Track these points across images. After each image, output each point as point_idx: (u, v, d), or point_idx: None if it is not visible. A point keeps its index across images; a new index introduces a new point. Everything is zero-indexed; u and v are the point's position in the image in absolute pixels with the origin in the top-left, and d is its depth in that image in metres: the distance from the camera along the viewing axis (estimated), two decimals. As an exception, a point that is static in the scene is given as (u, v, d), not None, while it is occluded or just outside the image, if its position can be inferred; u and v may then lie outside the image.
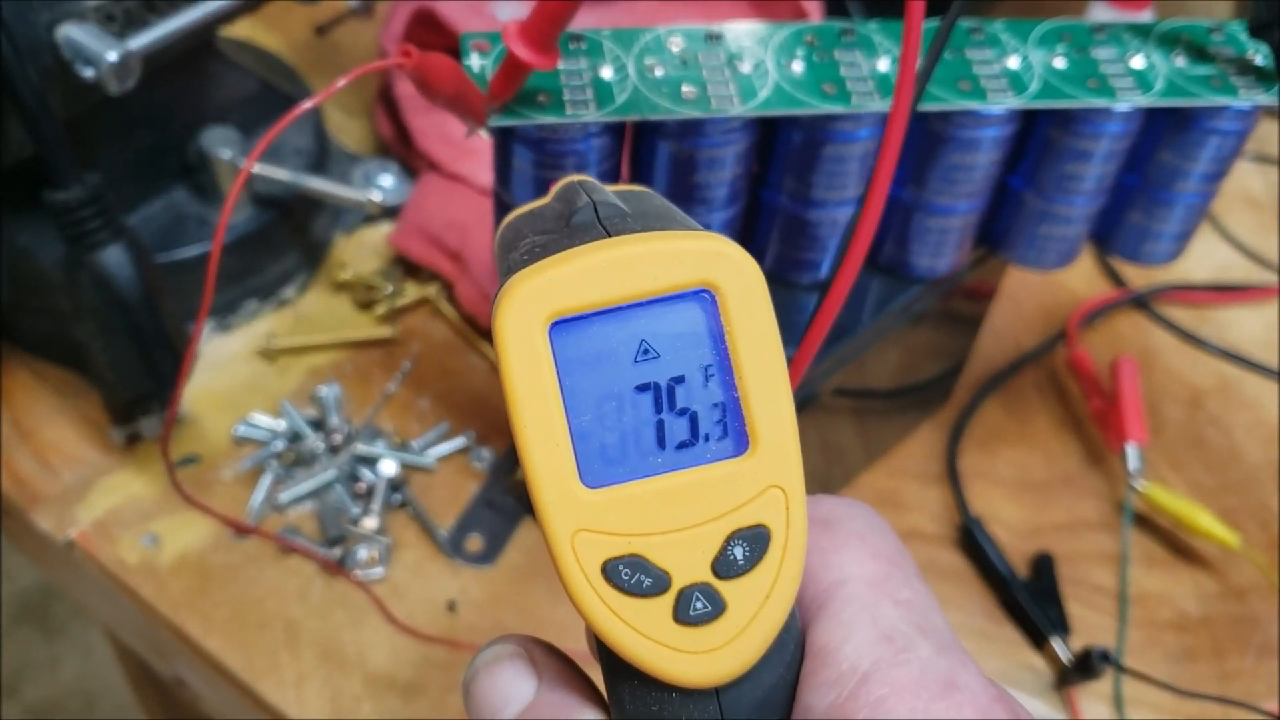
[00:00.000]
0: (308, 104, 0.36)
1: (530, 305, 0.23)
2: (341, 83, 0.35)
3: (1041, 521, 0.56)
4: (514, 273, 0.24)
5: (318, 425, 0.55)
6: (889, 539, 0.27)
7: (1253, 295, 0.68)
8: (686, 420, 0.23)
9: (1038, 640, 0.52)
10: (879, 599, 0.25)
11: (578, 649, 0.46)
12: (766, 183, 0.45)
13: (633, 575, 0.23)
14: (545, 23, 0.36)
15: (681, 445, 0.24)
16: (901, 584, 0.25)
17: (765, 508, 0.24)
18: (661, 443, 0.23)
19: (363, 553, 0.51)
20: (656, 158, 0.42)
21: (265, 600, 0.50)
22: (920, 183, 0.45)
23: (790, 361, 0.25)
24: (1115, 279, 0.67)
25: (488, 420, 0.57)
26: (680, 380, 0.23)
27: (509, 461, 0.55)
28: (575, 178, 0.28)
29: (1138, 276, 0.67)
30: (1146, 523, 0.57)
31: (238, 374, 0.58)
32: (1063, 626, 0.51)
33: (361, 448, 0.54)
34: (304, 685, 0.48)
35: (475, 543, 0.53)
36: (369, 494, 0.53)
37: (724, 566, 0.23)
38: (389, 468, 0.53)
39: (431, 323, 0.61)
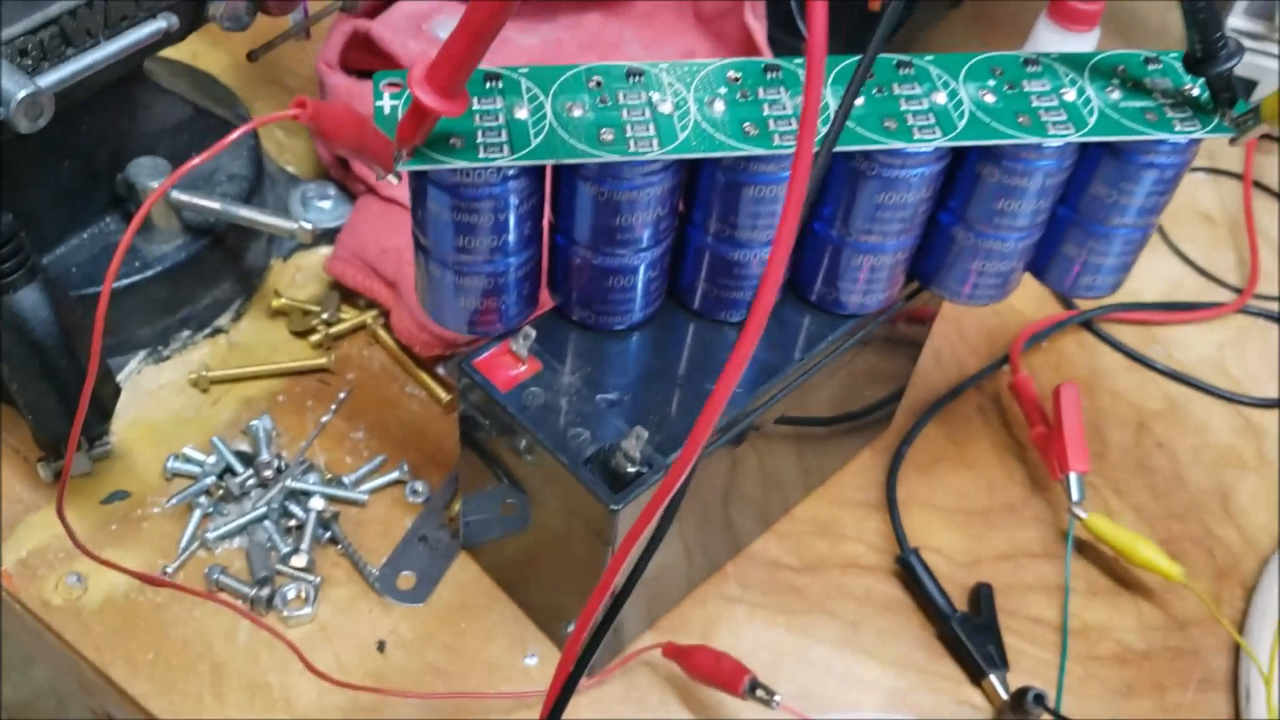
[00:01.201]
0: (196, 161, 0.34)
1: None
2: (234, 136, 0.34)
3: (982, 551, 0.56)
4: None
5: (250, 459, 0.54)
6: None
7: (1202, 314, 0.67)
8: None
9: (976, 676, 0.51)
10: None
11: (509, 690, 0.45)
12: (692, 221, 0.44)
13: None
14: (450, 67, 0.35)
15: None
16: None
17: None
18: None
19: (290, 592, 0.50)
20: (577, 199, 0.41)
21: (191, 642, 0.49)
22: (847, 221, 0.44)
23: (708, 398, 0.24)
24: (1063, 300, 0.67)
25: (423, 452, 0.56)
26: None
27: (445, 495, 0.54)
28: None
29: (1086, 297, 0.67)
30: (1089, 551, 0.56)
31: (170, 405, 0.57)
32: (1001, 662, 0.51)
33: (292, 483, 0.53)
34: (228, 731, 0.47)
35: (407, 580, 0.52)
36: (299, 530, 0.52)
37: None
38: (318, 504, 0.52)
39: (369, 350, 0.60)
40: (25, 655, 1.61)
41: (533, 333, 0.44)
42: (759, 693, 0.46)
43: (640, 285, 0.44)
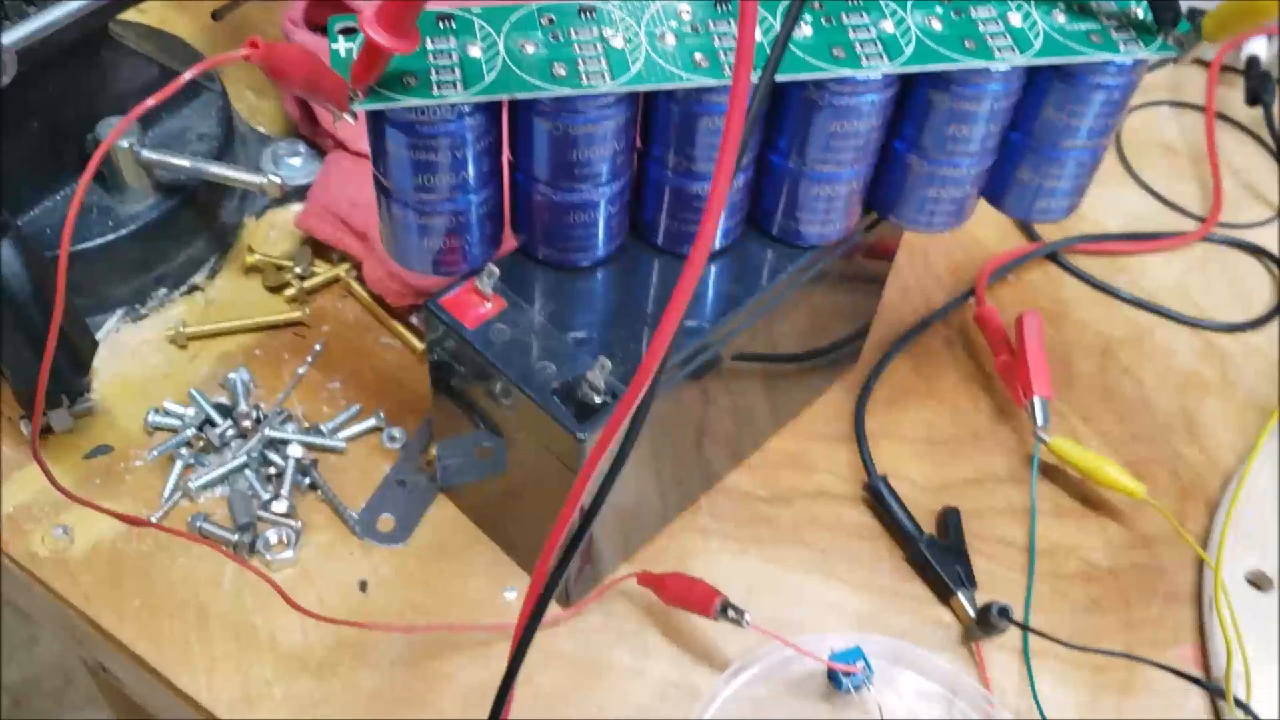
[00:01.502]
0: (149, 102, 0.35)
1: None
2: (187, 76, 0.35)
3: (949, 478, 0.57)
4: None
5: (228, 411, 0.55)
6: None
7: (1166, 243, 0.68)
8: None
9: (944, 596, 0.52)
10: None
11: (489, 622, 0.47)
12: (650, 156, 0.45)
13: None
14: (400, 5, 0.35)
15: None
16: None
17: None
18: None
19: (272, 537, 0.51)
20: (534, 135, 0.42)
21: (177, 588, 0.51)
22: (801, 151, 0.45)
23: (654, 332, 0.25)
24: (1028, 232, 0.68)
25: (399, 400, 0.57)
26: None
27: (421, 440, 0.55)
28: None
29: (1050, 229, 0.68)
30: (1055, 475, 0.57)
31: (149, 362, 0.58)
32: (969, 581, 0.52)
33: (271, 432, 0.54)
34: (214, 671, 0.48)
35: (387, 523, 0.53)
36: (279, 478, 0.53)
37: None
38: (296, 450, 0.53)
39: (343, 303, 0.61)
40: (29, 635, 1.63)
41: (496, 270, 0.45)
42: (730, 613, 0.47)
43: (602, 221, 0.45)
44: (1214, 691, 0.49)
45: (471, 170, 0.42)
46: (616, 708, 0.49)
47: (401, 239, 0.44)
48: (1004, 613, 0.48)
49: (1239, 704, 0.47)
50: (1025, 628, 0.50)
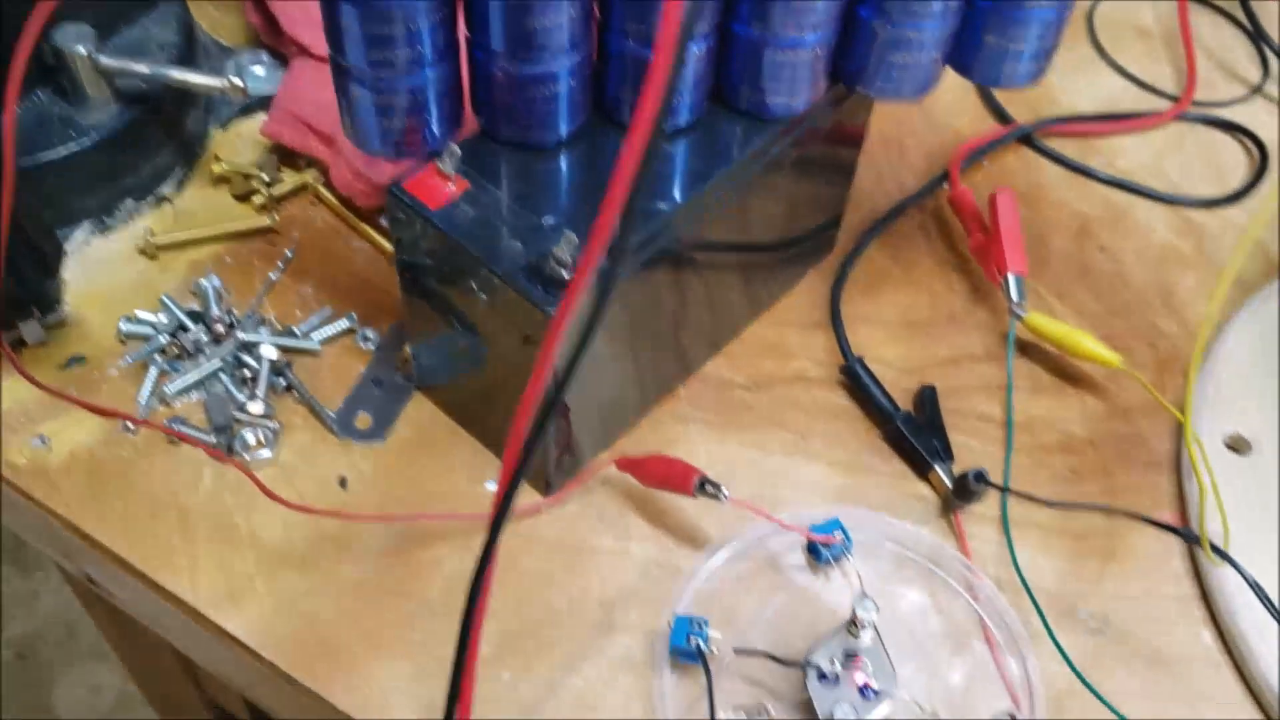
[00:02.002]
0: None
1: None
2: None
3: (925, 359, 0.57)
4: None
5: (200, 317, 0.55)
6: None
7: (1141, 123, 0.68)
8: None
9: (923, 470, 0.53)
10: None
11: (467, 512, 0.47)
12: (610, 28, 0.44)
13: None
14: None
15: None
16: None
17: None
18: None
19: (250, 437, 0.51)
20: (489, 5, 0.41)
21: (156, 492, 0.50)
22: (764, 18, 0.44)
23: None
24: (1001, 116, 0.67)
25: (371, 302, 0.57)
26: None
27: (395, 340, 0.55)
28: None
29: (1024, 112, 0.67)
30: (1032, 352, 0.57)
31: (120, 274, 0.57)
32: (946, 455, 0.52)
33: (245, 336, 0.54)
34: (198, 569, 0.48)
35: (364, 421, 0.53)
36: (254, 380, 0.53)
37: None
38: (270, 352, 0.53)
39: (312, 209, 0.60)
40: (31, 590, 1.64)
41: (458, 150, 0.44)
42: (709, 489, 0.47)
43: (563, 95, 0.45)
44: (1191, 539, 0.49)
45: (427, 43, 0.41)
46: (600, 588, 0.49)
47: (361, 121, 0.44)
48: (980, 477, 0.49)
49: (1216, 549, 0.47)
50: (1005, 489, 0.50)
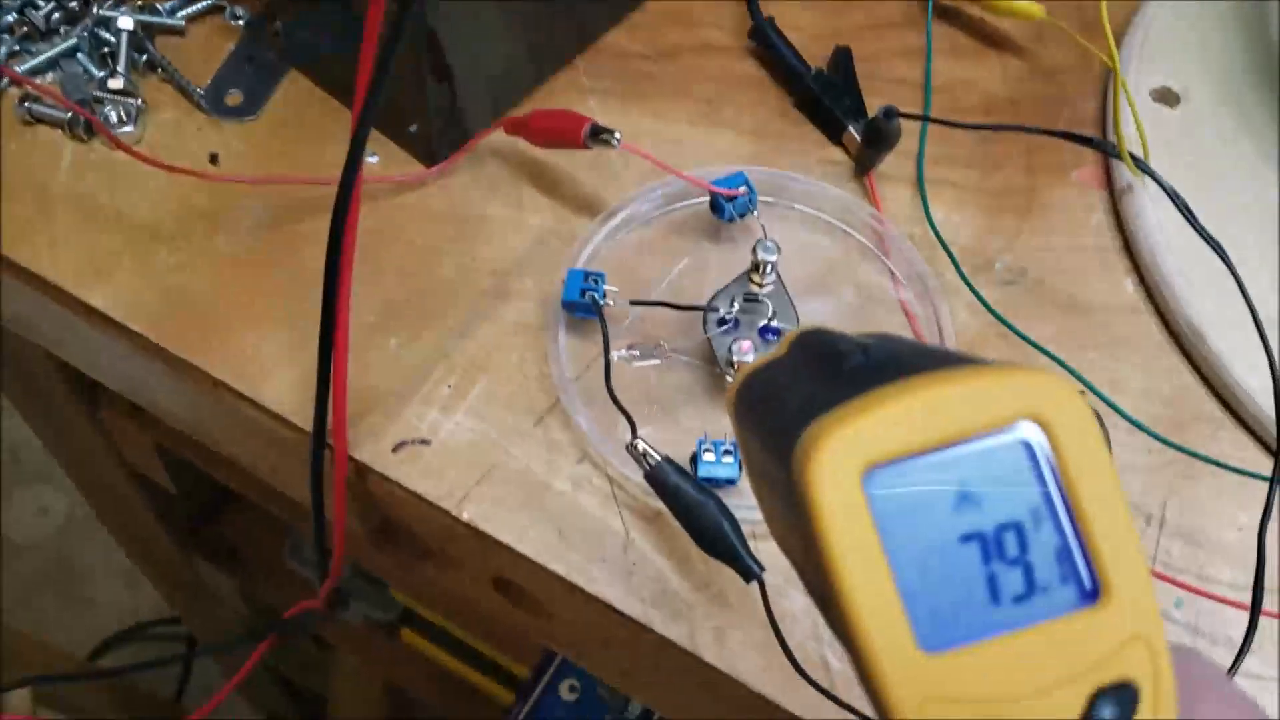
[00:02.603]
0: None
1: (844, 455, 0.21)
2: None
3: (841, 25, 0.53)
4: (801, 425, 0.21)
5: (52, -5, 0.51)
6: (1232, 684, 0.25)
7: None
8: (1020, 570, 0.21)
9: (835, 134, 0.50)
10: None
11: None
12: None
13: None
14: None
15: (1018, 598, 0.21)
16: None
17: (1129, 661, 0.21)
18: (996, 597, 0.21)
19: (112, 115, 0.48)
20: None
21: (11, 172, 0.47)
22: None
23: None
24: None
25: (242, -22, 0.52)
26: (1008, 526, 0.21)
27: (266, 15, 0.51)
28: (807, 327, 0.26)
29: None
30: (953, 17, 0.54)
31: (-33, -38, 0.53)
32: (860, 114, 0.49)
33: (102, 12, 0.50)
34: (58, 247, 0.45)
35: (235, 97, 0.49)
36: (113, 56, 0.49)
37: None
38: (126, 23, 0.49)
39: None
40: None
41: None
42: (602, 136, 0.44)
43: None
44: (1110, 150, 0.46)
45: None
46: (493, 257, 0.46)
47: None
48: (892, 113, 0.45)
49: (1136, 159, 0.44)
50: (925, 119, 0.48)
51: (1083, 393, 0.42)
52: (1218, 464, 0.41)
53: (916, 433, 0.21)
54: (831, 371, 0.24)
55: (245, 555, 0.94)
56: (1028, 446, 0.22)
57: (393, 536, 0.46)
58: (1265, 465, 0.42)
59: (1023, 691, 0.21)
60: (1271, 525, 0.39)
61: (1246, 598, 0.38)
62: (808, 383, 0.24)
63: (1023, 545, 0.21)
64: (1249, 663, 0.39)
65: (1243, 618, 0.38)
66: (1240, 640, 0.38)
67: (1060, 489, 0.22)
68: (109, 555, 1.52)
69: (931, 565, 0.21)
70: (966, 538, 0.21)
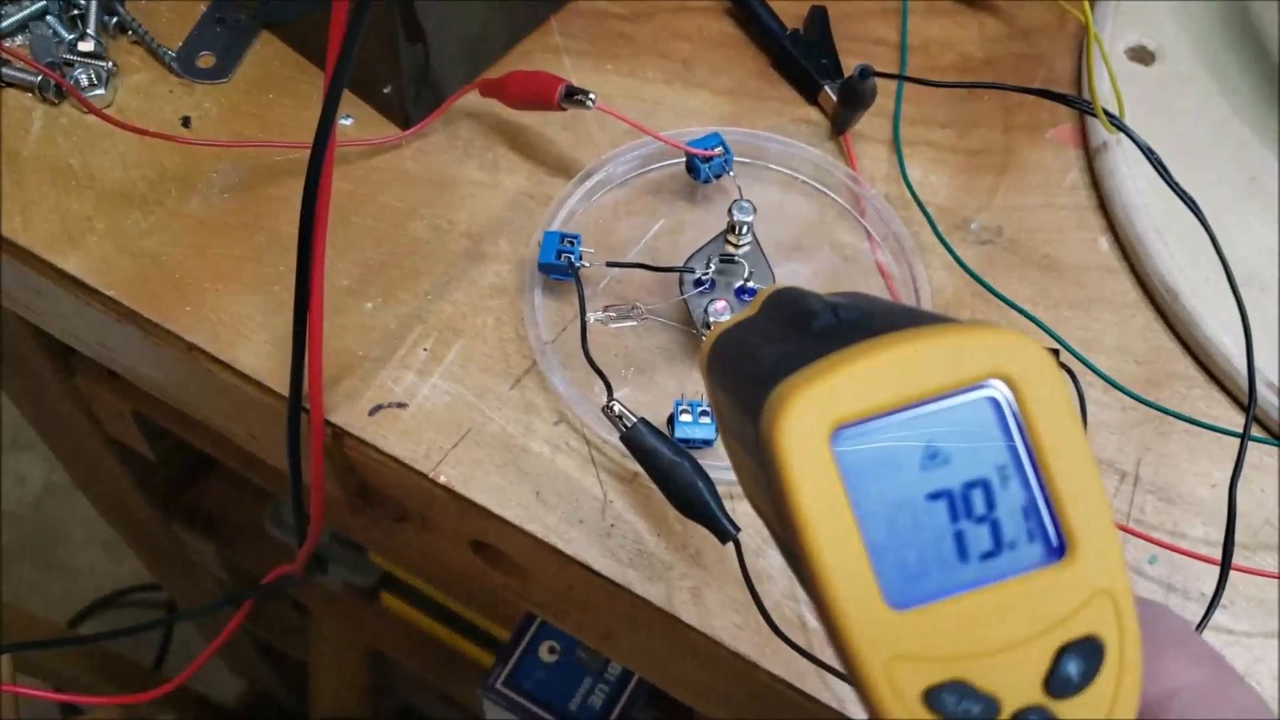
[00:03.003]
0: None
1: (812, 414, 0.21)
2: None
3: (817, -16, 0.53)
4: (770, 384, 0.21)
5: (20, -41, 0.50)
6: (1199, 639, 0.24)
7: None
8: (987, 527, 0.21)
9: (812, 94, 0.50)
10: (1218, 708, 0.22)
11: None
12: None
13: (959, 702, 0.21)
14: None
15: (986, 555, 0.21)
16: (1235, 689, 0.23)
17: (1094, 616, 0.21)
18: (964, 554, 0.21)
19: (83, 78, 0.47)
20: None
21: (-20, 137, 0.47)
22: None
23: None
24: None
25: (212, -62, 0.52)
26: (975, 484, 0.21)
27: (239, -23, 0.51)
28: (778, 286, 0.26)
29: None
30: (928, -25, 0.54)
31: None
32: (836, 74, 0.49)
33: (70, -26, 0.49)
34: (30, 212, 0.45)
35: (207, 60, 0.49)
36: (83, 19, 0.48)
37: (1058, 685, 0.21)
38: (95, -16, 0.48)
39: None
40: None
41: None
42: (576, 97, 0.44)
43: None
44: (1084, 108, 0.46)
45: None
46: (468, 219, 0.46)
47: None
48: (867, 72, 0.45)
49: (1110, 116, 0.44)
50: (900, 77, 0.47)
51: (1057, 351, 0.42)
52: (1191, 421, 0.42)
53: (884, 391, 0.21)
54: (801, 331, 0.24)
55: (225, 522, 0.94)
56: (995, 404, 0.22)
57: (371, 500, 0.46)
58: (1238, 422, 0.42)
59: (989, 647, 0.21)
60: (1242, 482, 0.39)
61: (1218, 553, 0.39)
62: (778, 342, 0.24)
63: (990, 503, 0.22)
64: (1219, 617, 0.39)
65: (1215, 573, 0.39)
66: (1212, 594, 0.39)
67: (1027, 447, 0.22)
68: (88, 523, 1.51)
69: (900, 523, 0.21)
70: (934, 495, 0.22)
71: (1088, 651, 0.21)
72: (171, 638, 1.40)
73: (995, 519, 0.22)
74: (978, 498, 0.22)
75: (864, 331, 0.22)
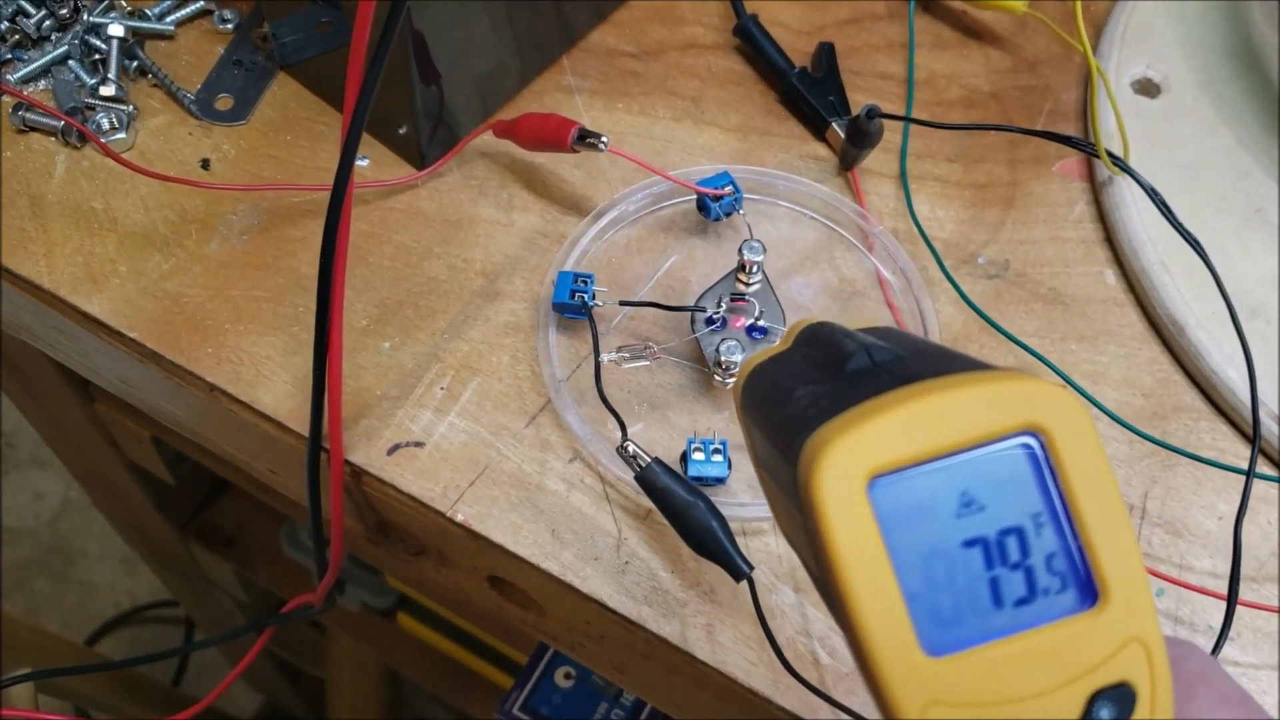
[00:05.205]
0: None
1: (849, 463, 0.21)
2: None
3: (824, 19, 0.54)
4: (808, 429, 0.22)
5: (43, 2, 0.51)
6: (1227, 678, 0.25)
7: None
8: (1022, 574, 0.22)
9: (819, 130, 0.50)
10: None
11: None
12: None
13: None
14: None
15: (1020, 602, 0.22)
16: None
17: (1126, 663, 0.22)
18: (999, 601, 0.22)
19: (104, 121, 0.48)
20: None
21: (6, 181, 0.47)
22: None
23: None
24: None
25: (230, -20, 0.53)
26: (1010, 532, 0.22)
27: (256, 18, 0.52)
28: (811, 320, 0.27)
29: None
30: (935, 9, 0.54)
31: (-45, -32, 0.53)
32: (844, 110, 0.50)
33: (92, 19, 0.50)
34: (54, 255, 0.46)
35: (225, 102, 0.50)
36: (104, 63, 0.49)
37: None
38: (118, 30, 0.49)
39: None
40: None
41: None
42: (588, 140, 0.45)
43: None
44: (1088, 149, 0.46)
45: None
46: (483, 258, 0.47)
47: None
48: (874, 112, 0.46)
49: (1113, 157, 0.45)
50: (907, 119, 0.48)
51: (1063, 387, 0.42)
52: (1196, 458, 0.42)
53: (919, 442, 0.22)
54: (835, 372, 0.24)
55: (242, 542, 0.95)
56: (1029, 453, 0.22)
57: (389, 535, 0.47)
58: (1244, 454, 0.43)
59: (1023, 694, 0.22)
60: (1248, 515, 0.40)
61: (1224, 586, 0.39)
62: (812, 383, 0.25)
63: (1024, 550, 0.22)
64: (1228, 650, 0.40)
65: (1222, 606, 0.39)
66: (1220, 627, 0.39)
67: (1060, 495, 0.22)
68: (105, 539, 1.53)
69: (935, 570, 0.22)
70: (969, 543, 0.22)
71: (1120, 698, 0.22)
72: (189, 655, 1.41)
73: (1029, 566, 0.22)
74: (1012, 545, 0.22)
75: (898, 377, 0.23)
